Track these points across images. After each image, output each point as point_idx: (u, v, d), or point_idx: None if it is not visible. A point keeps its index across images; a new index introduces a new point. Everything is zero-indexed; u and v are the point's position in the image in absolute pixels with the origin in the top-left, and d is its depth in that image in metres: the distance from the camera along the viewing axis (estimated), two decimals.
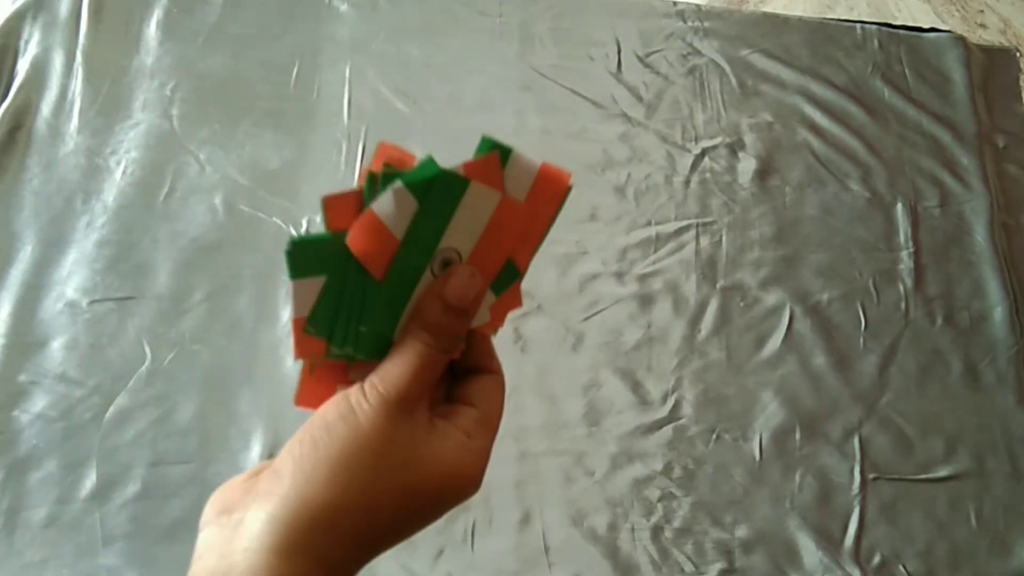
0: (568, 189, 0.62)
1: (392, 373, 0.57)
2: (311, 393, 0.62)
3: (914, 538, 1.61)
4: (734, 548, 1.57)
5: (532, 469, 1.60)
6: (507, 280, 0.65)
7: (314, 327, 0.59)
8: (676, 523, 1.58)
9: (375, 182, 0.56)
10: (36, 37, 1.91)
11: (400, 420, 0.55)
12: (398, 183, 0.56)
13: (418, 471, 0.55)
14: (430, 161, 0.56)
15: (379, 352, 0.59)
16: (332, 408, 0.56)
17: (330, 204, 0.58)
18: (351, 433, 0.54)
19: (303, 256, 0.60)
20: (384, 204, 0.56)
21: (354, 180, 1.82)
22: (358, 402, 0.56)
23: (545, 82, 2.00)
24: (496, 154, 0.58)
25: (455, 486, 0.57)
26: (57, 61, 1.88)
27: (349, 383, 0.59)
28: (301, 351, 0.60)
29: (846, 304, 1.82)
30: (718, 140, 1.97)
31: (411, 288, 0.59)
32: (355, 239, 0.57)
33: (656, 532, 1.57)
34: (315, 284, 0.59)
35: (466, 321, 0.60)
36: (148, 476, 1.53)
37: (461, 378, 0.63)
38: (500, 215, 0.60)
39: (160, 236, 1.74)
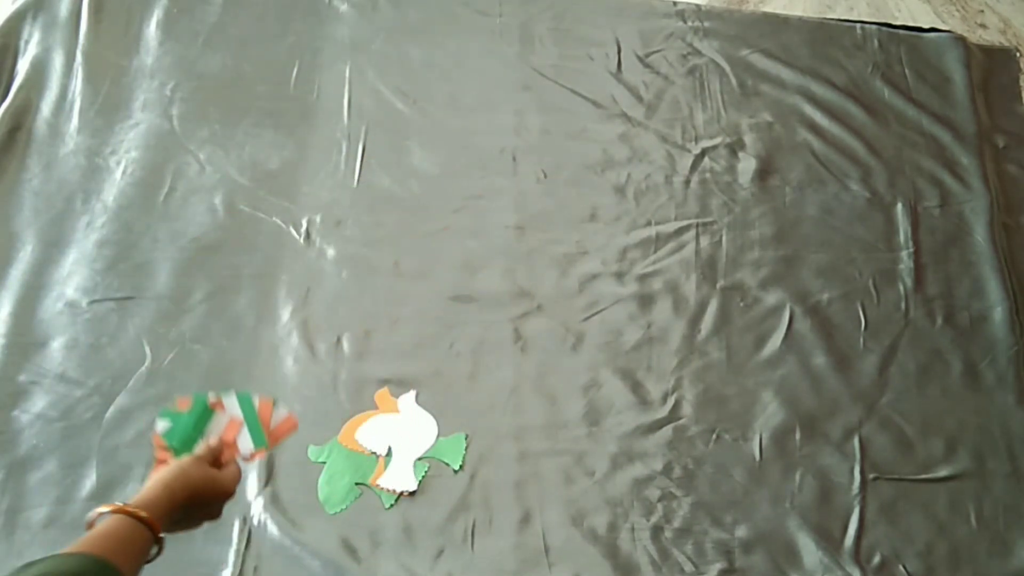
0: (295, 427, 1.29)
1: (197, 454, 1.19)
2: None
3: (914, 538, 1.61)
4: (734, 548, 1.57)
5: (532, 469, 1.60)
6: (259, 444, 1.30)
7: (166, 440, 1.24)
8: (676, 523, 1.58)
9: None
10: (36, 37, 1.91)
11: (197, 463, 1.15)
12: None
13: (204, 479, 1.14)
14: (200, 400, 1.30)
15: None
16: (175, 463, 1.16)
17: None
18: (178, 466, 1.13)
19: (168, 416, 1.26)
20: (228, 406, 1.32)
21: (355, 180, 1.83)
22: (184, 459, 1.16)
23: (545, 82, 2.00)
24: (271, 402, 1.30)
25: (220, 489, 1.15)
26: (57, 61, 1.89)
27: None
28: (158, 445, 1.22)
29: (846, 304, 1.82)
30: (718, 140, 1.97)
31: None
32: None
33: (656, 532, 1.57)
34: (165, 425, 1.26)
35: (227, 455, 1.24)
36: (148, 476, 1.53)
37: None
38: (229, 427, 1.29)
39: (160, 236, 1.74)
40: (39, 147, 1.80)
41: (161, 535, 1.04)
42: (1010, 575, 1.60)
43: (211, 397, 1.31)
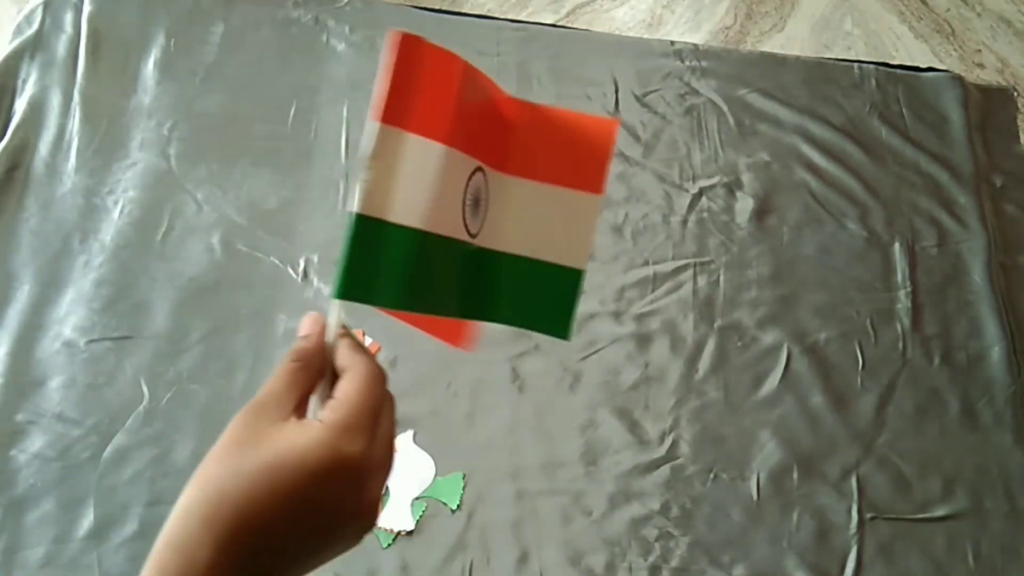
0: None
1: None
2: None
3: None
4: None
5: (530, 509, 1.60)
6: None
7: None
8: (674, 563, 1.58)
9: None
10: (34, 76, 1.91)
11: (251, 419, 0.66)
12: None
13: (270, 451, 0.64)
14: None
15: None
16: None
17: None
18: (220, 439, 0.66)
19: None
20: None
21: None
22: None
23: None
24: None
25: (306, 461, 0.63)
26: (55, 100, 1.89)
27: None
28: None
29: (844, 344, 1.81)
30: (716, 180, 1.97)
31: None
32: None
33: (654, 572, 1.56)
34: None
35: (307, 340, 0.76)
36: (146, 515, 1.52)
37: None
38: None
39: (158, 276, 1.74)
40: (37, 187, 1.79)
41: None
42: None
43: None
